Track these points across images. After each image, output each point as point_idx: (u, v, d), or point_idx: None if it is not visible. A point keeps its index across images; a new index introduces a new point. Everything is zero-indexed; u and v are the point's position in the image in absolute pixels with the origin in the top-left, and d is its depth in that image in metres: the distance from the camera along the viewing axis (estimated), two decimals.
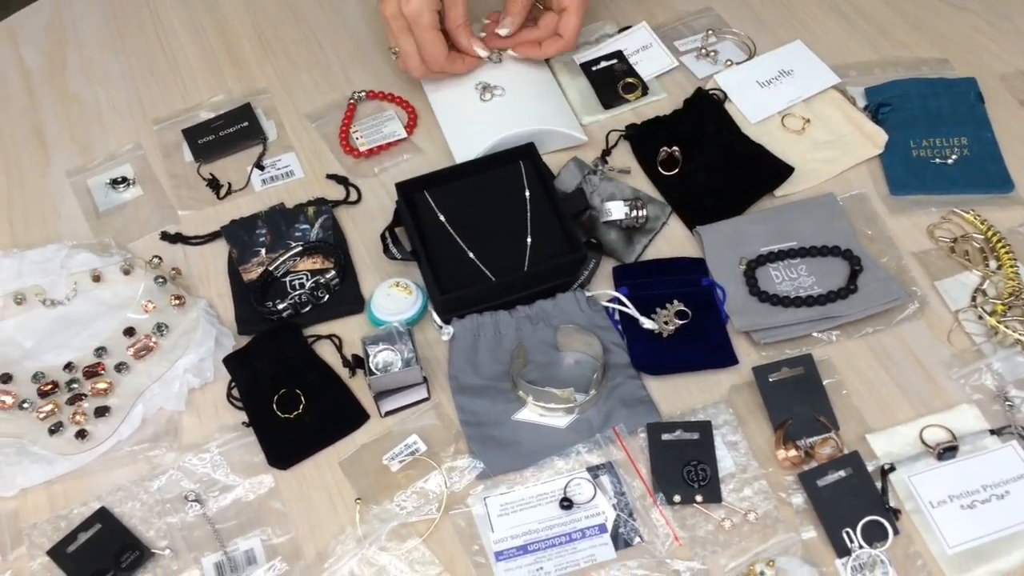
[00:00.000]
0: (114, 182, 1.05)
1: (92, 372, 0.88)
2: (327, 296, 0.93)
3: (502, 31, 1.04)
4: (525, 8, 1.03)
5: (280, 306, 0.91)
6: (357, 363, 0.88)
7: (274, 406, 0.86)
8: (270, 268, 0.94)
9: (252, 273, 0.95)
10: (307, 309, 0.92)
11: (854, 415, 0.85)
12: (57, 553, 0.79)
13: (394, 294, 0.92)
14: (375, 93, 1.13)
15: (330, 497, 0.83)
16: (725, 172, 1.01)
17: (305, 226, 0.99)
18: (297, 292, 0.93)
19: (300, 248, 0.96)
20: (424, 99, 1.10)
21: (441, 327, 0.90)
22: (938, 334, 0.89)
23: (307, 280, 0.94)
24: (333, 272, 0.94)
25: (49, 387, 0.87)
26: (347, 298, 0.94)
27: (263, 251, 0.97)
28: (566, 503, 0.81)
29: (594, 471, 0.83)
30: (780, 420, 0.84)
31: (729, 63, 1.12)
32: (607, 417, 0.86)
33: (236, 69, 1.17)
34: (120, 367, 0.88)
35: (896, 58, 1.11)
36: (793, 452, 0.82)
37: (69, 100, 1.15)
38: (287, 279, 0.95)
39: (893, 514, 0.78)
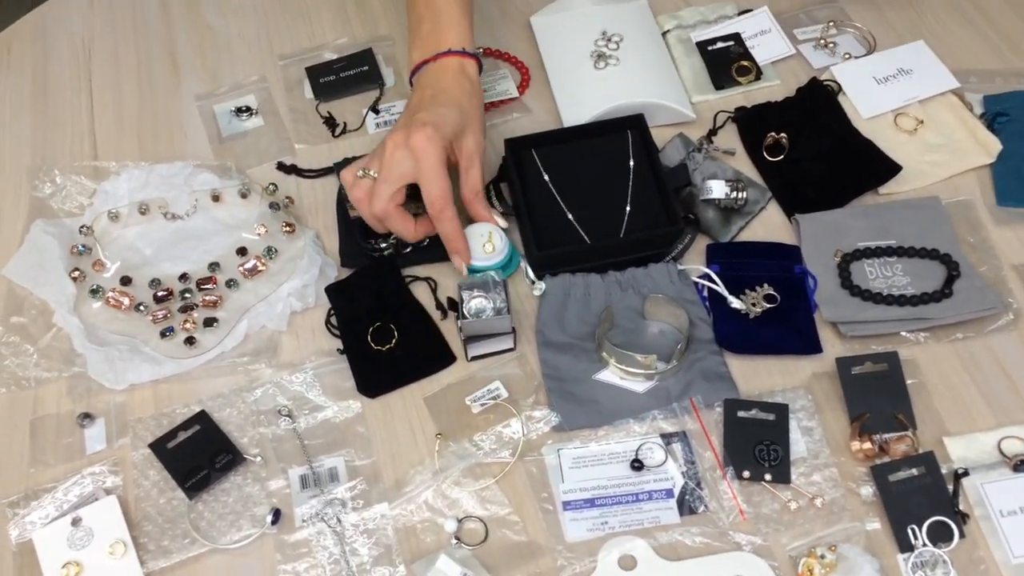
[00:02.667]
0: (238, 110, 1.10)
1: (205, 285, 0.93)
2: (427, 240, 0.96)
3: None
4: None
5: (382, 244, 0.95)
6: (451, 306, 0.92)
7: (368, 337, 0.91)
8: None
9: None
10: (407, 250, 0.96)
11: (933, 417, 0.85)
12: (158, 447, 0.84)
13: (482, 242, 0.94)
14: (491, 51, 1.16)
15: (412, 429, 0.87)
16: (831, 163, 1.02)
17: None
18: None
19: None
20: (539, 62, 1.13)
21: (534, 282, 0.93)
22: None
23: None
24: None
25: (164, 294, 0.93)
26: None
27: None
28: (637, 464, 0.83)
29: (667, 438, 0.85)
30: (858, 413, 0.85)
31: (847, 56, 1.12)
32: (686, 388, 0.87)
33: (362, 14, 1.21)
34: (230, 283, 0.93)
35: (1021, 69, 1.09)
36: (868, 445, 0.83)
37: (203, 29, 1.20)
38: None
39: (961, 517, 0.79)
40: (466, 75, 0.96)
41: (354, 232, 0.97)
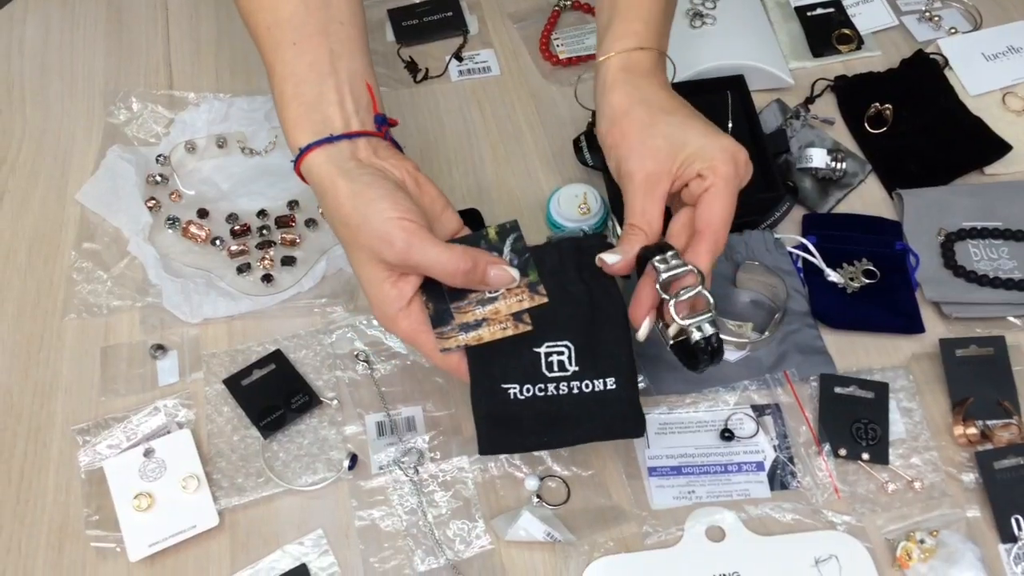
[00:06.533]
0: None
1: (284, 222, 0.90)
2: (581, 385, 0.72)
3: (609, 260, 0.70)
4: (646, 237, 0.70)
5: (672, 330, 0.71)
6: None
7: None
8: None
9: (467, 315, 0.72)
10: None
11: None
12: (233, 383, 0.82)
13: (577, 203, 0.91)
14: (580, 4, 1.12)
15: None
16: (936, 139, 0.97)
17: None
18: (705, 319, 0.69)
19: None
20: None
21: None
22: None
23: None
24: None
25: (242, 229, 0.90)
26: (626, 411, 0.71)
27: None
28: (727, 434, 0.80)
29: (758, 410, 0.82)
30: (961, 397, 0.81)
31: (953, 30, 1.07)
32: (779, 360, 0.84)
33: None
34: (309, 223, 0.90)
35: None
36: (972, 430, 0.79)
37: None
38: None
39: None
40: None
41: (486, 373, 0.71)
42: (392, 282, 0.69)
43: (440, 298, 0.70)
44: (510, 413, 0.69)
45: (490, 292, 0.70)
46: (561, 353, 0.70)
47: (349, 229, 0.68)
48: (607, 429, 0.70)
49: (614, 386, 0.70)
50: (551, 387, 0.69)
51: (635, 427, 0.71)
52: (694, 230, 0.71)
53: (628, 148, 0.71)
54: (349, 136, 0.70)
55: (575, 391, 0.70)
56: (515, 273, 0.70)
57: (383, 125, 0.74)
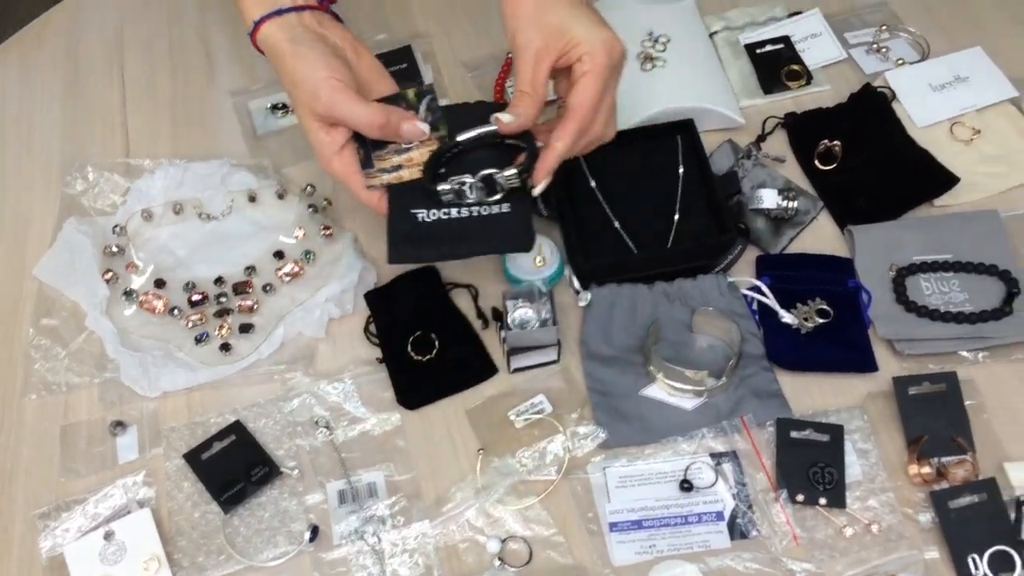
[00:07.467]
0: (274, 107, 1.07)
1: (241, 289, 0.91)
2: (484, 209, 0.81)
3: (505, 119, 0.80)
4: (534, 101, 0.80)
5: (442, 187, 0.80)
6: (495, 316, 0.89)
7: (408, 347, 0.88)
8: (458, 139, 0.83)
9: (385, 162, 0.82)
10: (471, 197, 0.80)
11: (992, 440, 0.82)
12: (193, 457, 0.82)
13: (533, 255, 0.92)
14: None
15: (453, 444, 0.84)
16: (885, 173, 0.98)
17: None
18: (467, 178, 0.80)
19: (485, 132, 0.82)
20: None
21: (579, 292, 0.90)
22: None
23: (484, 172, 0.80)
24: (514, 172, 0.79)
25: (199, 298, 0.90)
26: (516, 230, 0.81)
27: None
28: (686, 485, 0.81)
29: (717, 457, 0.83)
30: (915, 435, 0.82)
31: (901, 62, 1.08)
32: (736, 405, 0.85)
33: (400, 11, 1.17)
34: (267, 288, 0.91)
35: None
36: (927, 469, 0.80)
37: (238, 22, 1.16)
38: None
39: None
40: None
41: (401, 205, 0.82)
42: (325, 131, 0.81)
43: (367, 147, 0.83)
44: (419, 232, 0.81)
45: (405, 143, 0.82)
46: (480, 173, 0.81)
47: (292, 85, 0.80)
48: (500, 243, 0.83)
49: (508, 210, 0.81)
50: (454, 211, 0.81)
51: (524, 242, 0.82)
52: (565, 109, 0.80)
53: (524, 20, 0.79)
54: (296, 9, 0.82)
55: (475, 214, 0.81)
56: (425, 128, 0.82)
57: (324, 1, 0.86)
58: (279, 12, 0.82)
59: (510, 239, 0.82)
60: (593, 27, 0.79)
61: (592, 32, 0.78)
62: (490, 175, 0.80)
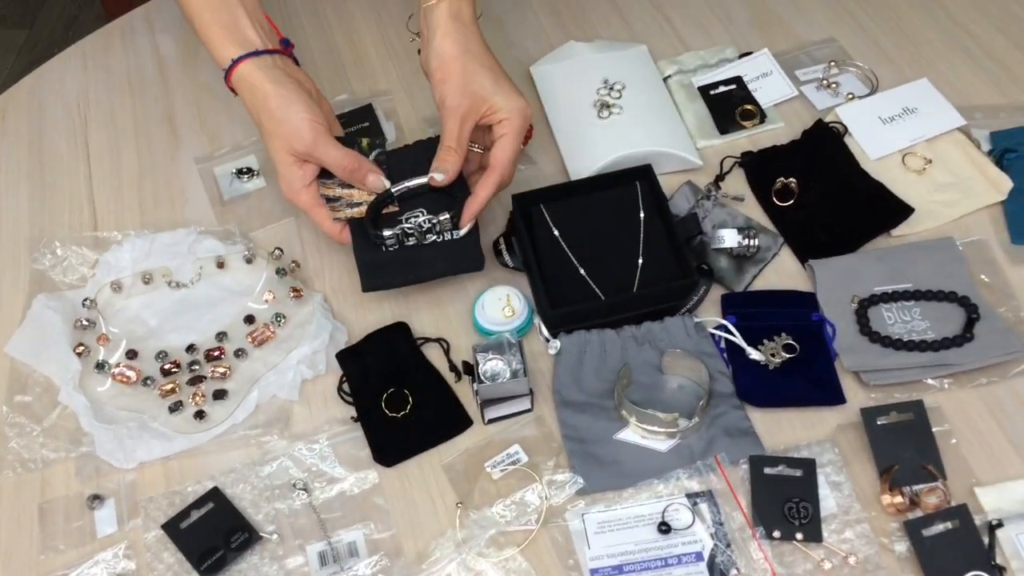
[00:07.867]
0: (239, 172, 1.09)
1: (213, 355, 0.91)
2: (438, 238, 0.94)
3: (437, 177, 0.93)
4: (459, 156, 0.93)
5: (386, 232, 0.92)
6: (467, 369, 0.90)
7: (382, 404, 0.89)
8: (392, 190, 0.95)
9: (329, 190, 0.95)
10: (411, 241, 0.93)
11: (962, 466, 0.84)
12: (171, 527, 0.82)
13: (501, 306, 0.93)
14: None
15: (431, 498, 0.85)
16: (841, 207, 1.01)
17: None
18: (408, 224, 0.93)
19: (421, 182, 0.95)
20: (541, 113, 1.12)
21: (548, 340, 0.92)
22: None
23: (422, 217, 0.94)
24: (447, 216, 0.92)
25: (171, 366, 0.90)
26: (469, 254, 0.94)
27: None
28: (664, 527, 0.81)
29: (693, 498, 0.83)
30: (886, 465, 0.83)
31: (851, 96, 1.11)
32: (709, 445, 0.86)
33: (360, 70, 1.20)
34: (239, 353, 0.91)
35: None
36: (899, 499, 0.81)
37: (200, 89, 1.19)
38: (402, 216, 0.95)
39: (999, 571, 0.77)
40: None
41: (364, 237, 0.95)
42: (299, 166, 0.92)
43: (334, 184, 0.95)
44: (383, 259, 0.93)
45: (368, 191, 0.94)
46: (419, 218, 0.94)
47: (273, 121, 0.90)
48: (454, 266, 0.94)
49: (461, 236, 0.94)
50: (411, 240, 0.93)
51: (475, 264, 0.94)
52: (488, 165, 0.94)
53: (452, 87, 0.91)
54: (269, 52, 0.92)
55: (430, 242, 0.94)
56: (387, 183, 0.94)
57: (287, 46, 0.97)
58: (256, 53, 0.91)
59: (465, 261, 0.94)
60: (511, 96, 0.93)
61: (510, 101, 0.92)
62: (429, 219, 0.93)
